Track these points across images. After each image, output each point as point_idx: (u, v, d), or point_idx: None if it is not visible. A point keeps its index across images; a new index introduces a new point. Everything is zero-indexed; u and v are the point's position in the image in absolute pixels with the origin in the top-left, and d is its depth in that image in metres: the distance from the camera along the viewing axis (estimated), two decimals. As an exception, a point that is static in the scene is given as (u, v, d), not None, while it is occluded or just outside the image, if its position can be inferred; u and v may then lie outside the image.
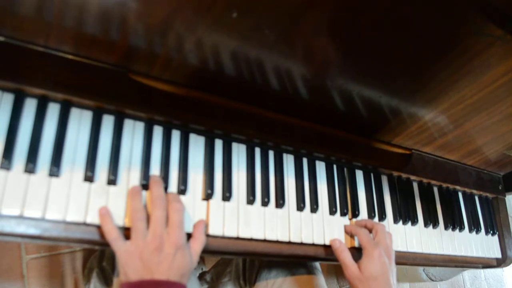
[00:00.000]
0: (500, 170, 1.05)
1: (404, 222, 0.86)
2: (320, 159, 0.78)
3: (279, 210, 0.69)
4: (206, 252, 0.61)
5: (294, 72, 0.61)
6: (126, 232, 0.54)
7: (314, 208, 0.73)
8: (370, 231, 0.74)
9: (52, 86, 0.52)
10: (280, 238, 0.67)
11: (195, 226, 0.59)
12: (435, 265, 0.93)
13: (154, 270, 0.50)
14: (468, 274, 1.84)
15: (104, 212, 0.52)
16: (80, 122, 0.56)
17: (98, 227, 0.53)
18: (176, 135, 0.63)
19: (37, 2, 0.45)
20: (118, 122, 0.58)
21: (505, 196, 1.10)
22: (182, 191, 0.60)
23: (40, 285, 0.93)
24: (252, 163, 0.69)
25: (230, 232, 0.62)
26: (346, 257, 0.68)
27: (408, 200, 0.89)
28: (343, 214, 0.76)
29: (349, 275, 0.67)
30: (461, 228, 0.97)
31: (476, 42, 0.57)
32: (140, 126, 0.60)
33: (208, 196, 0.62)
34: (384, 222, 0.82)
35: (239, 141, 0.69)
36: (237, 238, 0.64)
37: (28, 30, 0.49)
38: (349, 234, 0.75)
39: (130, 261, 0.51)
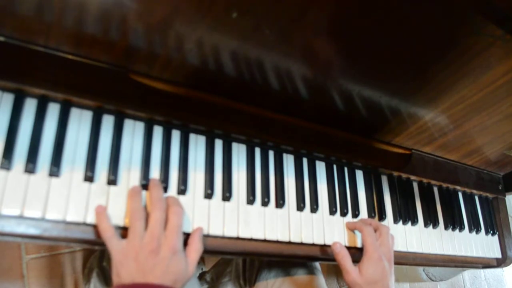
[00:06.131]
0: (500, 170, 1.06)
1: (404, 222, 0.86)
2: (320, 159, 0.78)
3: (279, 210, 0.69)
4: (206, 252, 0.60)
5: (294, 72, 0.61)
6: (126, 232, 0.53)
7: (314, 208, 0.73)
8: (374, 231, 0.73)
9: (52, 86, 0.52)
10: (280, 238, 0.67)
11: (192, 233, 0.57)
12: (435, 265, 0.93)
13: (148, 273, 0.49)
14: (468, 274, 1.84)
15: (100, 210, 0.52)
16: (80, 122, 0.56)
17: (98, 227, 0.53)
18: (176, 135, 0.63)
19: (37, 2, 0.45)
20: (118, 122, 0.58)
21: (505, 196, 1.10)
22: (182, 191, 0.60)
23: (40, 285, 0.93)
24: (252, 163, 0.69)
25: (230, 232, 0.62)
26: (347, 262, 0.66)
27: (408, 200, 0.89)
28: (343, 214, 0.76)
29: (349, 280, 0.66)
30: (461, 228, 0.97)
31: (476, 42, 0.57)
32: (140, 126, 0.60)
33: (208, 196, 0.62)
34: (384, 222, 0.82)
35: (239, 141, 0.69)
36: (237, 238, 0.64)
37: (28, 30, 0.49)
38: (354, 229, 0.75)
39: (124, 260, 0.50)
